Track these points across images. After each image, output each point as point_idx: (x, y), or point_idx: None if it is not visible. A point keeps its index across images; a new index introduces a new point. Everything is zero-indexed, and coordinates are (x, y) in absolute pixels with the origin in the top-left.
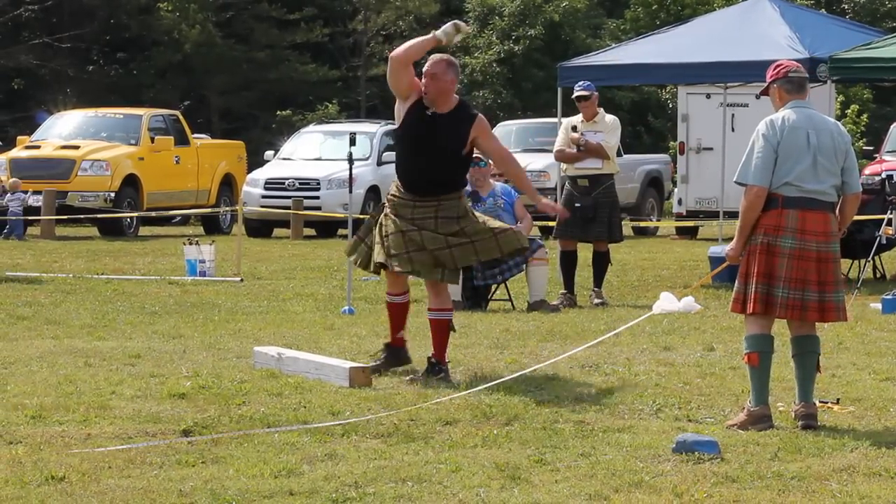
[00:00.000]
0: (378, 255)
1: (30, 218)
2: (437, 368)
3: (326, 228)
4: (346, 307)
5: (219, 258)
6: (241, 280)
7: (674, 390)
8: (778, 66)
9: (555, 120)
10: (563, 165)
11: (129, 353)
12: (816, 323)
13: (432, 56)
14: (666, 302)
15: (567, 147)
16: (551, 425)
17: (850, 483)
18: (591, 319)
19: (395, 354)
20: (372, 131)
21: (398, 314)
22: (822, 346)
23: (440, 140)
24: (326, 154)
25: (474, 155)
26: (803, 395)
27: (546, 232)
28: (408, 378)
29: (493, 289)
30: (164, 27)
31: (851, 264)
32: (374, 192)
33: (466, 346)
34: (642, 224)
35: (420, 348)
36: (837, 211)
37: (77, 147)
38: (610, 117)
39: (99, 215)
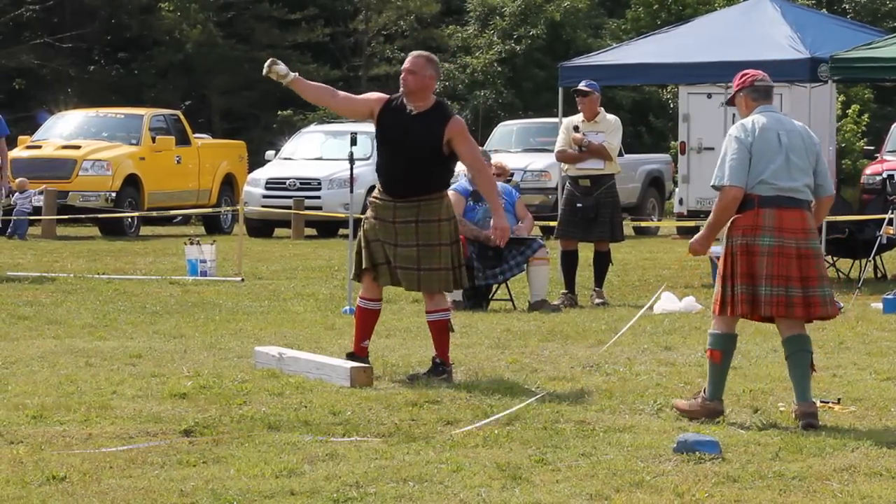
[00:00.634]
0: (366, 261)
1: (31, 217)
2: (440, 369)
3: (327, 228)
4: (347, 307)
5: (220, 258)
6: (242, 280)
7: (675, 390)
8: (744, 75)
9: (556, 120)
10: (565, 165)
11: (130, 352)
12: (806, 322)
13: (412, 53)
14: (666, 302)
15: (568, 147)
16: (552, 425)
17: (852, 483)
18: (592, 319)
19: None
20: (373, 131)
21: (367, 320)
22: (823, 346)
23: (416, 138)
24: (327, 154)
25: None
26: (801, 394)
27: (547, 232)
28: (408, 375)
29: (493, 288)
30: (166, 27)
31: (852, 264)
32: None
33: (467, 346)
34: (643, 224)
35: (423, 348)
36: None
37: (78, 147)
38: (611, 117)
39: (100, 215)
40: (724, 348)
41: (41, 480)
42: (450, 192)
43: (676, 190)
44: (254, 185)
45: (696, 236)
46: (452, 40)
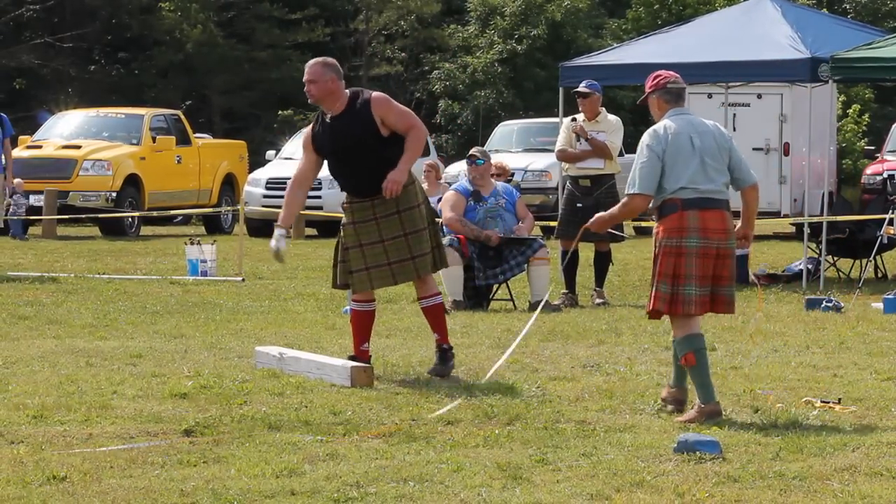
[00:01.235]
0: (341, 276)
1: (31, 218)
2: (450, 353)
3: (328, 228)
4: (348, 307)
5: (220, 258)
6: (243, 280)
7: None
8: (657, 76)
9: (556, 120)
10: (565, 165)
11: (130, 352)
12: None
13: (308, 63)
14: None
15: (569, 147)
16: (553, 425)
17: (852, 483)
18: (593, 319)
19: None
20: None
21: (363, 323)
22: (823, 346)
23: (351, 136)
24: None
25: (470, 153)
26: (678, 380)
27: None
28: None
29: (494, 288)
30: (166, 27)
31: (853, 264)
32: None
33: (468, 346)
34: (644, 224)
35: (423, 348)
36: (743, 207)
37: (79, 147)
38: (612, 117)
39: (100, 215)
40: (694, 347)
41: (42, 480)
42: (450, 192)
43: None
44: (254, 185)
45: (598, 216)
46: (453, 40)
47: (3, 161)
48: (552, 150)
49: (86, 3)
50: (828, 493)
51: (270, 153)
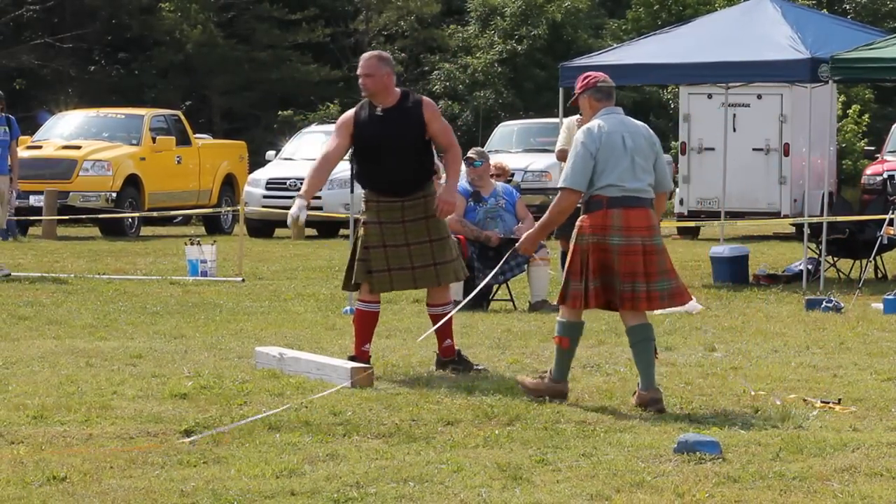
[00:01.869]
0: (358, 275)
1: (31, 218)
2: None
3: (328, 228)
4: (348, 307)
5: (220, 258)
6: (243, 280)
7: (675, 390)
8: (586, 76)
9: (556, 120)
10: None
11: (130, 353)
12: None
13: (363, 55)
14: None
15: (569, 147)
16: (553, 425)
17: (852, 483)
18: (593, 319)
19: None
20: None
21: (368, 323)
22: (823, 346)
23: (398, 132)
24: None
25: (468, 155)
26: (647, 382)
27: None
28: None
29: (494, 289)
30: (166, 27)
31: (853, 264)
32: None
33: (468, 347)
34: None
35: (423, 348)
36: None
37: (79, 147)
38: None
39: (100, 215)
40: (572, 335)
41: (42, 481)
42: None
43: (677, 190)
44: (254, 186)
45: (525, 235)
46: (453, 40)
47: (10, 162)
48: (552, 151)
49: (86, 3)
50: (828, 494)
51: (270, 153)
